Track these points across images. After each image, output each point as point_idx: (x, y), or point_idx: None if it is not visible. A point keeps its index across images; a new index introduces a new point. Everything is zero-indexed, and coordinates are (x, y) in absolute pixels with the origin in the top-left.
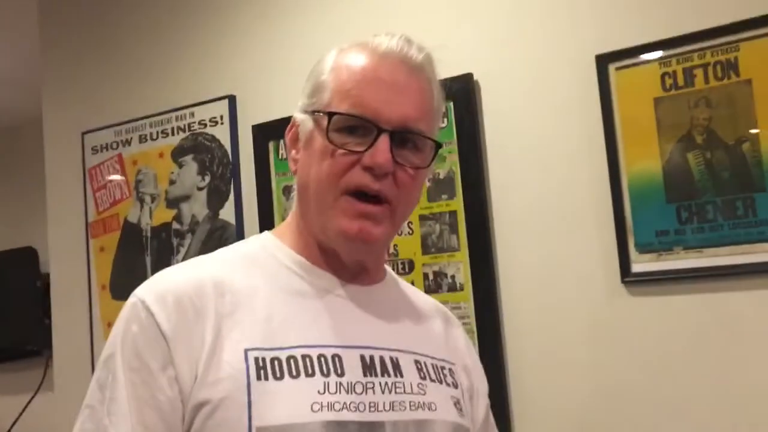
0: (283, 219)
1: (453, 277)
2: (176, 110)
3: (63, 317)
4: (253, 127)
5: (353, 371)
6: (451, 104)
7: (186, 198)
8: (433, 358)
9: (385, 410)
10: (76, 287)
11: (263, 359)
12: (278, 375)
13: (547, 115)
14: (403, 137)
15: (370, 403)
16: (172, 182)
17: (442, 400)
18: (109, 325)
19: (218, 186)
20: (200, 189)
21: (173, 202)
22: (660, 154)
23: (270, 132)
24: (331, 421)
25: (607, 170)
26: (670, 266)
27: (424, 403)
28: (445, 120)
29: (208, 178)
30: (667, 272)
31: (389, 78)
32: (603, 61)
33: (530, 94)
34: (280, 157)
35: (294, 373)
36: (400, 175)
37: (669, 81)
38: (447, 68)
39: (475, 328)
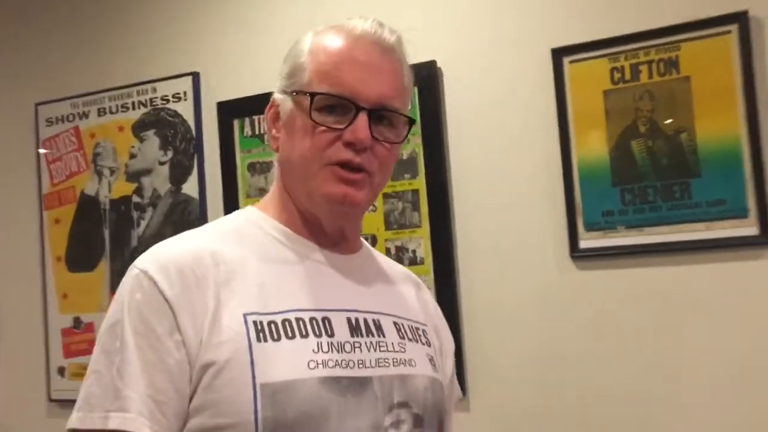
0: (248, 195)
1: (414, 251)
2: (138, 85)
3: (12, 289)
4: (218, 104)
5: (341, 332)
6: (416, 89)
7: (147, 172)
8: (408, 320)
9: (371, 366)
10: (30, 259)
11: (261, 323)
12: (275, 337)
13: (505, 102)
14: (379, 114)
15: (358, 360)
16: (132, 156)
17: (419, 357)
18: (65, 296)
19: (181, 161)
20: (162, 163)
21: (134, 176)
22: (607, 142)
23: (235, 110)
24: (326, 377)
25: (559, 155)
26: (614, 243)
27: (405, 360)
28: (410, 104)
29: (170, 153)
30: (611, 248)
31: (365, 59)
32: (558, 55)
33: (491, 82)
34: (244, 134)
35: (290, 334)
36: (378, 149)
37: (617, 75)
38: (412, 55)
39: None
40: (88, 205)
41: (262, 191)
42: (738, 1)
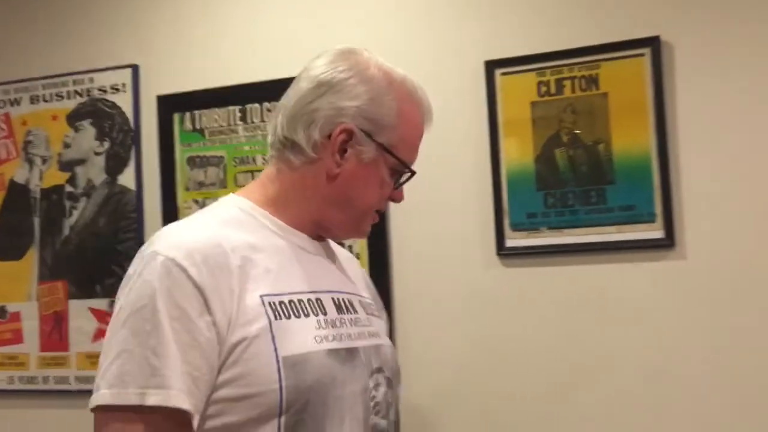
0: (187, 188)
1: (350, 247)
2: (74, 74)
3: None
4: (158, 97)
5: (331, 310)
6: None
7: (81, 162)
8: (364, 297)
9: (356, 339)
10: None
11: (274, 303)
12: (287, 315)
13: (440, 109)
14: None
15: (346, 334)
16: (66, 145)
17: (380, 329)
18: None
19: (117, 152)
20: (98, 154)
21: (67, 165)
22: (533, 149)
23: (175, 104)
24: (330, 349)
25: (489, 160)
26: (537, 242)
27: (374, 333)
28: None
29: (107, 144)
30: (534, 247)
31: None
32: (491, 67)
33: (426, 90)
34: (184, 128)
35: (297, 313)
36: None
37: (544, 88)
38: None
39: None
40: (17, 193)
41: (202, 185)
42: (651, 27)
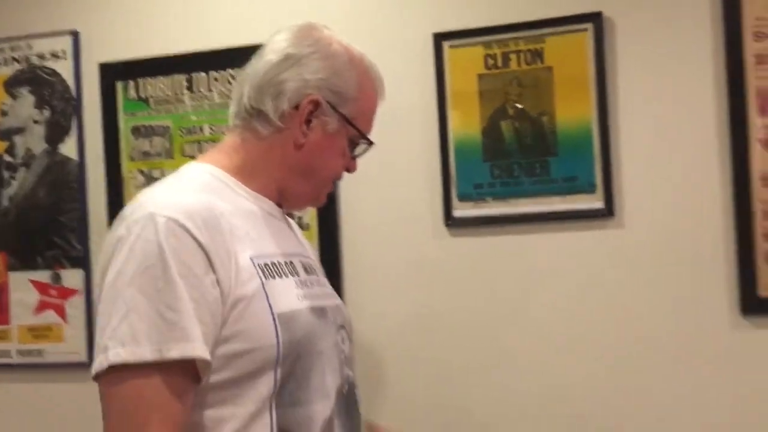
0: (131, 158)
1: (300, 218)
2: (11, 40)
3: None
4: (100, 65)
5: (301, 272)
6: None
7: (20, 130)
8: (315, 261)
9: (323, 299)
10: None
11: (260, 264)
12: (273, 275)
13: (389, 81)
14: None
15: (316, 294)
16: (3, 113)
17: (333, 291)
18: None
19: (58, 121)
20: (37, 122)
21: (4, 134)
22: (480, 122)
23: (118, 72)
24: (310, 306)
25: (437, 132)
26: (484, 213)
27: (332, 294)
28: None
29: (47, 113)
30: (481, 217)
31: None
32: (439, 39)
33: (376, 61)
34: (128, 97)
35: (279, 274)
36: None
37: (491, 61)
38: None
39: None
40: None
41: (147, 155)
42: (594, 3)
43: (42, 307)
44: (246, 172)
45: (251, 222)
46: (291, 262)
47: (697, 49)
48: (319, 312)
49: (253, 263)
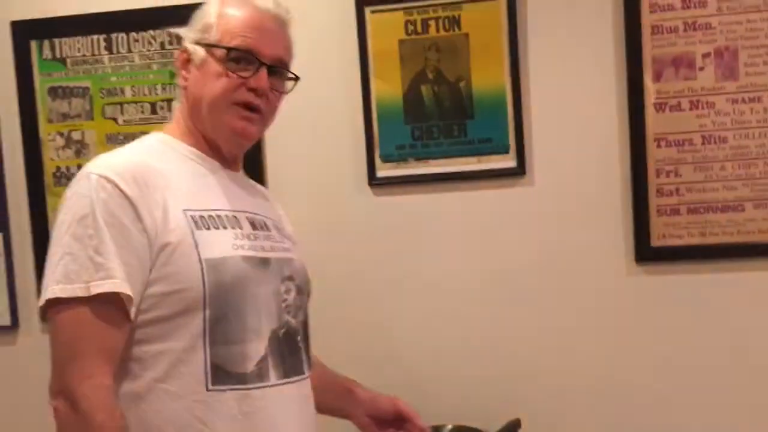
0: (49, 120)
1: None
2: None
3: None
4: (13, 23)
5: (246, 227)
6: None
7: None
8: (275, 221)
9: (269, 251)
10: None
11: (194, 216)
12: (208, 227)
13: (313, 47)
14: (274, 70)
15: (261, 246)
16: None
17: (291, 247)
18: None
19: None
20: None
21: None
22: (401, 85)
23: (32, 30)
24: (244, 255)
25: (360, 96)
26: (405, 172)
27: (285, 248)
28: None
29: None
30: (403, 177)
31: (267, 27)
32: (361, 4)
33: (300, 28)
34: (44, 57)
35: (216, 226)
36: (271, 96)
37: (411, 27)
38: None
39: None
40: None
41: (66, 116)
42: None
43: None
44: (187, 134)
45: (196, 180)
46: (235, 217)
47: (599, 19)
48: (258, 261)
49: (185, 215)
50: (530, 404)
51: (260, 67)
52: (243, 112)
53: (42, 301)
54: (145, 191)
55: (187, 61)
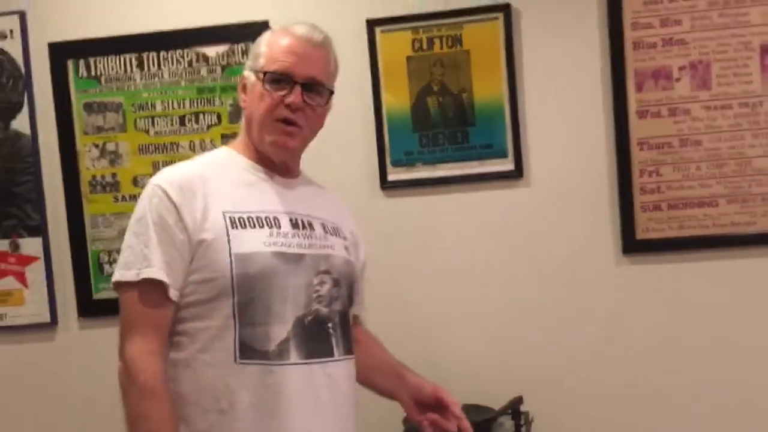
0: (85, 132)
1: None
2: None
3: None
4: (50, 45)
5: (285, 226)
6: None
7: None
8: (330, 221)
9: (305, 248)
10: None
11: (232, 217)
12: (243, 226)
13: None
14: (309, 87)
15: (296, 243)
16: None
17: (337, 245)
18: None
19: (8, 98)
20: None
21: None
22: (409, 97)
23: (68, 51)
24: (275, 251)
25: (372, 107)
26: (414, 176)
27: (327, 245)
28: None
29: None
30: (411, 180)
31: (302, 51)
32: (371, 25)
33: None
34: (80, 75)
35: (252, 225)
36: (308, 110)
37: (417, 45)
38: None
39: None
40: None
41: (101, 129)
42: None
43: (1, 274)
44: (246, 147)
45: (242, 187)
46: (275, 218)
47: (587, 36)
48: (291, 257)
49: (224, 216)
50: (531, 383)
51: (294, 86)
52: (283, 128)
53: (112, 283)
54: (189, 197)
55: (245, 86)
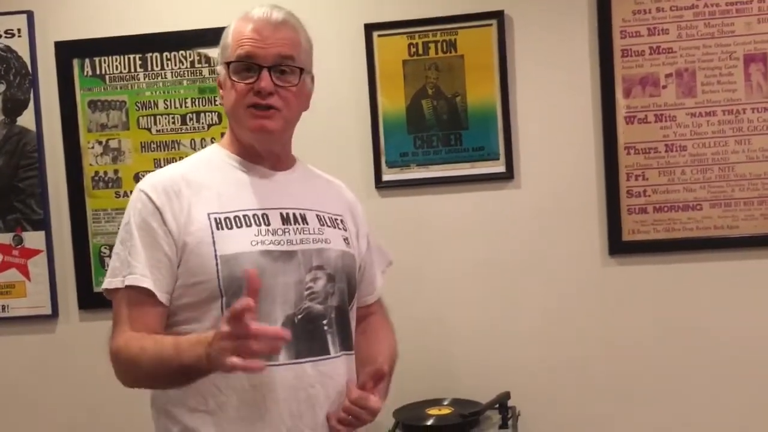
0: (89, 130)
1: None
2: None
3: None
4: (56, 43)
5: (275, 222)
6: None
7: None
8: (329, 213)
9: (296, 244)
10: None
11: (218, 218)
12: (229, 226)
13: (326, 67)
14: (278, 68)
15: (287, 240)
16: None
17: (334, 237)
18: None
19: (15, 95)
20: None
21: None
22: (405, 100)
23: (74, 50)
24: (262, 250)
25: (368, 108)
26: (408, 177)
27: (322, 239)
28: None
29: (3, 87)
30: (406, 180)
31: (261, 34)
32: (369, 29)
33: (315, 51)
34: (85, 74)
35: (238, 225)
36: (282, 92)
37: (413, 49)
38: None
39: None
40: None
41: (104, 126)
42: (498, 3)
43: (4, 266)
44: (233, 143)
45: (229, 185)
46: (264, 215)
47: (577, 43)
48: (280, 254)
49: (209, 217)
50: (518, 379)
51: (261, 70)
52: (254, 112)
53: (102, 289)
54: (173, 200)
55: (220, 83)
